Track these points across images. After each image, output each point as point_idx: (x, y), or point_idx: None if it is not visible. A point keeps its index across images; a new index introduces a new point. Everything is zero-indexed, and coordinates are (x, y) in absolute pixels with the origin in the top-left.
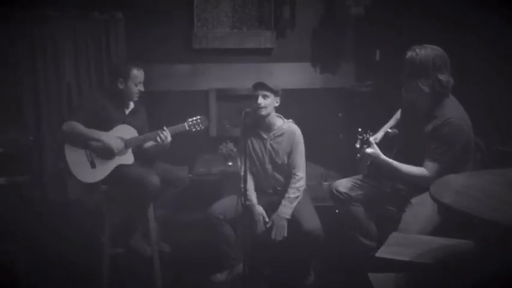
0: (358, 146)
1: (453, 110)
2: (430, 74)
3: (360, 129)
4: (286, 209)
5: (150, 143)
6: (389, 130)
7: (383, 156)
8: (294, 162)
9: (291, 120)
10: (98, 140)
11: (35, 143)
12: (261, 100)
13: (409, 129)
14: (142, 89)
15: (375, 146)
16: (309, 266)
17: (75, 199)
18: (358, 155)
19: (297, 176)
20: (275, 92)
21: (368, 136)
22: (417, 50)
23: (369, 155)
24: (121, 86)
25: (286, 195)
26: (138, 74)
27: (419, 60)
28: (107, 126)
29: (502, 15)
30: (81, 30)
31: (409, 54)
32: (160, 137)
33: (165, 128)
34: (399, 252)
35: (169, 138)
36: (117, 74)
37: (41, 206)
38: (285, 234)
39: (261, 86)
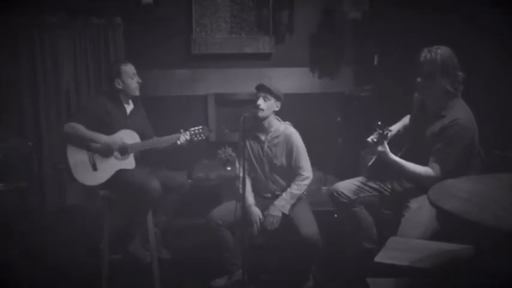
0: (375, 139)
1: (461, 110)
2: (450, 72)
3: (379, 123)
4: (284, 203)
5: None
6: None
7: (392, 155)
8: (297, 164)
9: (288, 122)
10: (98, 142)
11: (34, 149)
12: (260, 101)
13: (419, 131)
14: (139, 80)
15: (386, 144)
16: (308, 271)
17: (75, 205)
18: (362, 151)
19: (303, 175)
20: (276, 96)
21: (387, 132)
22: (437, 51)
23: (379, 152)
24: (119, 86)
25: (288, 190)
26: (127, 68)
27: (442, 60)
28: (110, 131)
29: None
30: (80, 36)
31: (428, 55)
32: (180, 141)
33: (181, 131)
34: (398, 257)
35: (184, 138)
36: (111, 76)
37: (40, 212)
38: (277, 226)
39: (263, 87)
